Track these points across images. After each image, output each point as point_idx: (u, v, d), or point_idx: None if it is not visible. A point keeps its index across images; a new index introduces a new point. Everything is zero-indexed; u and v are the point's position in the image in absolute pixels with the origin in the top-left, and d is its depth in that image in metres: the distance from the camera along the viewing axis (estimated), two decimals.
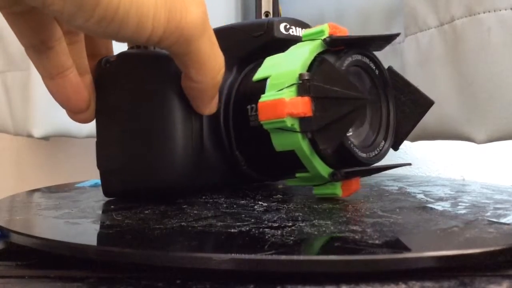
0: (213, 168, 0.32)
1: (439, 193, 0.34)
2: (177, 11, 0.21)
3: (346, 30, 0.31)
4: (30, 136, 0.60)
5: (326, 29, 0.30)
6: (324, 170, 0.29)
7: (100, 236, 0.23)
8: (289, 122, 0.28)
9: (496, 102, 0.37)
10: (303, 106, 0.27)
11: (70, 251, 0.21)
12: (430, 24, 0.41)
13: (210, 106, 0.29)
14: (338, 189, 0.30)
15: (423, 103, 0.31)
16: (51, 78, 0.27)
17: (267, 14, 0.45)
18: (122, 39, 0.21)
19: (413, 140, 0.45)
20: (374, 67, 0.30)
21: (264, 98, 0.29)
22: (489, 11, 0.37)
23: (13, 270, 0.21)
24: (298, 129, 0.28)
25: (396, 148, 0.31)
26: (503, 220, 0.25)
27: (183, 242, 0.21)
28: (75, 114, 0.29)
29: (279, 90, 0.28)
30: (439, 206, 0.29)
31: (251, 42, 0.33)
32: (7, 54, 0.67)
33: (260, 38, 0.33)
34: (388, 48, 0.49)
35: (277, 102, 0.28)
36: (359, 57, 0.29)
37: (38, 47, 0.25)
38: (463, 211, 0.27)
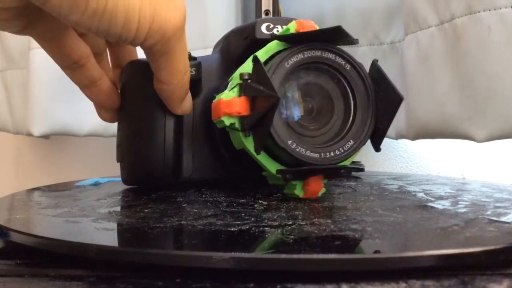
0: (205, 164, 0.35)
1: (439, 191, 0.34)
2: (162, 12, 0.23)
3: (313, 26, 0.30)
4: (30, 134, 0.60)
5: (292, 27, 0.30)
6: (274, 169, 0.29)
7: (100, 235, 0.23)
8: (227, 121, 0.29)
9: (496, 100, 0.37)
10: (239, 105, 0.28)
11: (70, 249, 0.21)
12: (430, 22, 0.41)
13: (182, 106, 0.32)
14: (298, 190, 0.29)
15: (394, 99, 0.28)
16: (86, 88, 0.32)
17: (267, 12, 0.45)
18: (113, 36, 0.23)
19: (413, 138, 0.45)
20: (343, 62, 0.29)
21: (216, 98, 0.30)
22: (489, 10, 0.37)
23: (13, 269, 0.21)
24: (239, 128, 0.29)
25: (376, 148, 0.30)
26: (503, 219, 0.25)
27: (183, 241, 0.21)
28: (108, 114, 0.35)
29: (229, 90, 0.30)
30: (439, 205, 0.29)
31: (242, 44, 0.34)
32: (7, 52, 0.67)
33: (247, 40, 0.34)
34: (388, 47, 0.49)
35: (218, 102, 0.29)
36: (318, 53, 0.29)
37: (71, 66, 0.29)
38: (463, 210, 0.27)
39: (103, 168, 0.65)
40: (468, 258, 0.19)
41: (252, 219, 0.24)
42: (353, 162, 0.31)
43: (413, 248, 0.21)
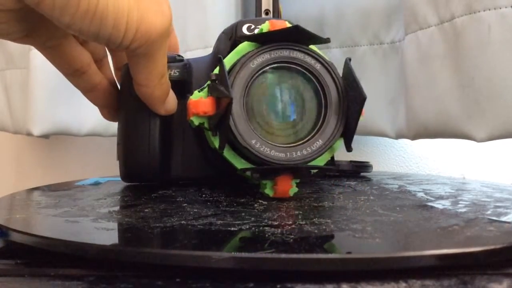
0: (194, 163, 0.36)
1: (439, 191, 0.34)
2: (149, 16, 0.24)
3: (285, 25, 0.30)
4: (29, 134, 0.60)
5: (265, 27, 0.30)
6: (240, 167, 0.30)
7: (99, 235, 0.23)
8: (196, 121, 0.30)
9: (496, 100, 0.36)
10: (205, 105, 0.29)
11: (70, 249, 0.21)
12: (430, 22, 0.41)
13: (164, 107, 0.33)
14: (268, 189, 0.30)
15: (359, 98, 0.28)
16: (87, 92, 0.33)
17: (267, 12, 0.45)
18: (103, 37, 0.24)
19: (413, 138, 0.44)
20: (313, 62, 0.29)
21: (188, 99, 0.31)
22: (489, 9, 0.37)
23: (13, 269, 0.21)
24: (208, 128, 0.29)
25: (347, 147, 0.29)
26: (503, 219, 0.25)
27: (183, 241, 0.21)
28: (109, 113, 0.35)
29: (199, 91, 0.30)
30: (439, 205, 0.29)
31: (227, 45, 0.35)
32: (6, 52, 0.67)
33: (231, 40, 0.34)
34: (388, 46, 0.49)
35: (188, 103, 0.30)
36: (286, 52, 0.29)
37: (73, 74, 0.30)
38: (463, 210, 0.27)
39: (103, 168, 0.65)
40: (468, 258, 0.19)
41: (252, 218, 0.24)
42: (359, 162, 0.31)
43: (413, 247, 0.21)
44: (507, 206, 0.28)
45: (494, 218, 0.25)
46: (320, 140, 0.29)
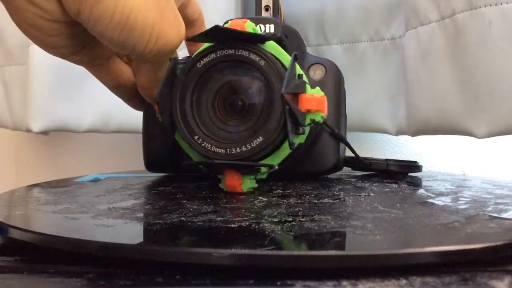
0: None
1: (439, 188, 0.34)
2: (167, 30, 0.27)
3: (240, 25, 0.30)
4: (29, 130, 0.60)
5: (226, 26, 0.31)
6: (196, 159, 0.31)
7: (99, 231, 0.23)
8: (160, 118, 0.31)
9: (497, 96, 0.36)
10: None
11: (69, 246, 0.21)
12: (431, 18, 0.41)
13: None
14: (222, 183, 0.31)
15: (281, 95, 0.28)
16: (128, 100, 0.34)
17: (267, 8, 0.45)
18: (128, 47, 0.26)
19: (413, 134, 0.44)
20: (257, 59, 0.29)
21: None
22: (490, 5, 0.37)
23: (12, 265, 0.21)
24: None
25: (289, 144, 0.29)
26: (504, 215, 0.25)
27: (183, 237, 0.21)
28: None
29: None
30: (440, 201, 0.29)
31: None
32: (5, 48, 0.66)
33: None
34: (388, 42, 0.49)
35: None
36: (231, 51, 0.30)
37: (116, 87, 0.32)
38: (464, 206, 0.27)
39: (102, 164, 0.65)
40: (469, 255, 0.19)
41: (252, 215, 0.24)
42: (409, 162, 0.30)
43: (414, 244, 0.21)
44: (508, 202, 0.28)
45: (495, 214, 0.25)
46: (260, 137, 0.29)
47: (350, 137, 0.41)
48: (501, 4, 0.36)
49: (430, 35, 0.41)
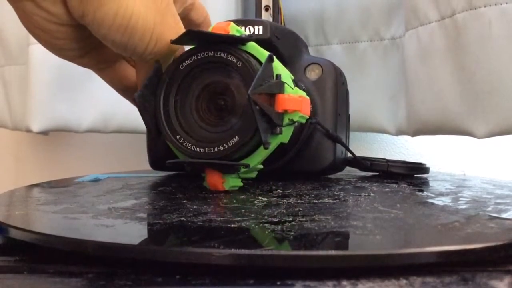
0: None
1: (439, 188, 0.34)
2: (166, 34, 0.28)
3: (223, 28, 0.31)
4: (29, 130, 0.60)
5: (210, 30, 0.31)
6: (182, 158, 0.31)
7: (99, 231, 0.23)
8: None
9: (497, 96, 0.36)
10: None
11: (69, 246, 0.21)
12: (431, 18, 0.41)
13: None
14: (205, 182, 0.31)
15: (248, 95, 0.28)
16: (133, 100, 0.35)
17: (267, 8, 0.45)
18: (130, 48, 0.28)
19: (413, 134, 0.44)
20: (235, 60, 0.30)
21: None
22: (490, 5, 0.37)
23: (12, 265, 0.21)
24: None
25: (264, 144, 0.29)
26: (504, 215, 0.25)
27: (183, 237, 0.21)
28: None
29: None
30: (440, 201, 0.29)
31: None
32: (5, 48, 0.66)
33: None
34: (388, 42, 0.49)
35: None
36: (211, 53, 0.30)
37: (123, 89, 0.33)
38: (464, 206, 0.27)
39: (102, 164, 0.65)
40: (469, 255, 0.19)
41: (252, 215, 0.24)
42: (414, 164, 0.30)
43: (414, 244, 0.21)
44: (508, 202, 0.28)
45: (495, 214, 0.25)
46: (237, 137, 0.29)
47: (350, 137, 0.41)
48: (501, 4, 0.36)
49: (430, 35, 0.41)
